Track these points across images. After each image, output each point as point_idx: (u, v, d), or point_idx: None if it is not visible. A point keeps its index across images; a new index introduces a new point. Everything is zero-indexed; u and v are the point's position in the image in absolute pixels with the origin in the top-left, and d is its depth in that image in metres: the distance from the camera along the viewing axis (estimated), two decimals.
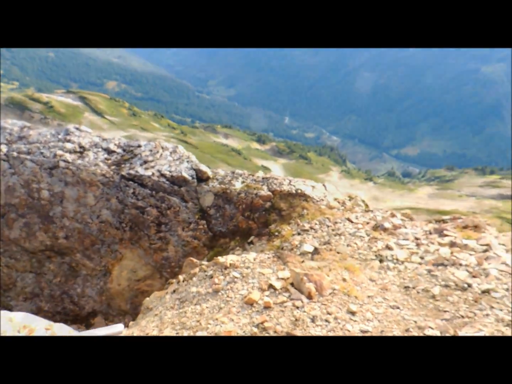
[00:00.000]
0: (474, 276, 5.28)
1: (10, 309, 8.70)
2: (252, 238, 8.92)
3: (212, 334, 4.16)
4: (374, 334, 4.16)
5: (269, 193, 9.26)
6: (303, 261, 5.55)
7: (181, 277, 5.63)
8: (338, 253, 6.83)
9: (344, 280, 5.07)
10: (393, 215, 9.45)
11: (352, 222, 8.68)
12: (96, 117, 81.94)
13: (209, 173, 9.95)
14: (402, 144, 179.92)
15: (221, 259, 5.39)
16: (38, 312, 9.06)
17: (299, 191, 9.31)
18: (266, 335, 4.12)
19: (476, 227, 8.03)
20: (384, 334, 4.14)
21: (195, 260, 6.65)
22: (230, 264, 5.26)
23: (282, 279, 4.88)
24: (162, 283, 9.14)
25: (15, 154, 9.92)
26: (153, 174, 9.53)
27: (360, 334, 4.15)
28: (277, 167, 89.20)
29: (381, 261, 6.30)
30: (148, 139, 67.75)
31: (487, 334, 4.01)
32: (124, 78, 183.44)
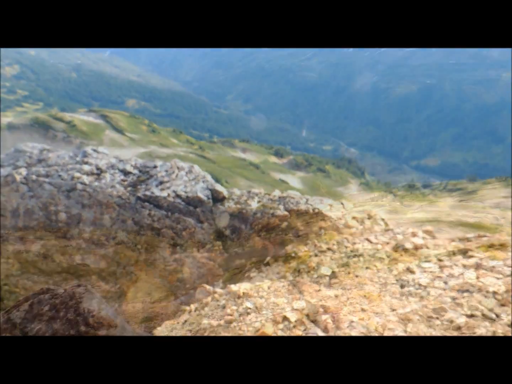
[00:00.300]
0: (502, 305, 4.96)
1: (26, 332, 8.71)
2: (268, 259, 8.74)
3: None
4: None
5: (286, 212, 9.10)
6: (319, 290, 5.34)
7: (193, 307, 5.49)
8: (356, 276, 6.60)
9: (363, 310, 4.83)
10: (414, 234, 9.13)
11: (371, 242, 8.43)
12: (117, 134, 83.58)
13: (225, 193, 9.87)
14: (422, 155, 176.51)
15: (234, 287, 5.23)
16: (53, 334, 9.05)
17: (316, 210, 9.13)
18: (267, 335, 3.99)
19: (502, 246, 7.71)
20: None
21: (208, 286, 6.51)
22: (243, 293, 5.09)
23: (297, 310, 4.67)
24: (177, 305, 9.01)
25: (34, 177, 10.07)
26: (168, 195, 9.50)
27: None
28: (295, 180, 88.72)
29: (402, 286, 6.03)
30: (167, 155, 68.55)
31: None
32: (144, 96, 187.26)
